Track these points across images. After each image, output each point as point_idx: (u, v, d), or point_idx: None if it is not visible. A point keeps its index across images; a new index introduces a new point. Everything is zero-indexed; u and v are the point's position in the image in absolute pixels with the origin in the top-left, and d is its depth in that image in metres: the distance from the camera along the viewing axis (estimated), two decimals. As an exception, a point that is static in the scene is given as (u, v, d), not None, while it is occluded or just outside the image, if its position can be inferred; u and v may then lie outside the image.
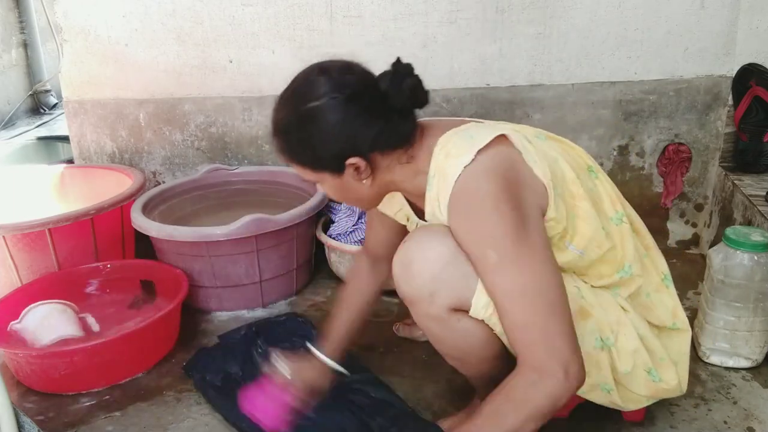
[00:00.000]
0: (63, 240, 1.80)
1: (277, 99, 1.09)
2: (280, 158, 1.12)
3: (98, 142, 2.22)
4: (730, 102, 1.95)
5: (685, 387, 1.24)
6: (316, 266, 2.04)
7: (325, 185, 1.12)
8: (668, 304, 1.23)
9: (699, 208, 2.09)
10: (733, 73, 1.93)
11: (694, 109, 1.98)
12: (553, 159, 1.10)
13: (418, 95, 1.06)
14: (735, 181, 1.87)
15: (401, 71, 1.05)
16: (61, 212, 1.81)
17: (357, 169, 1.07)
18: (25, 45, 3.94)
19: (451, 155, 1.04)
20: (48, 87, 3.97)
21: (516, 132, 1.09)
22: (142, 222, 1.81)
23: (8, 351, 1.55)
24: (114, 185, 2.00)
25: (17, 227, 1.74)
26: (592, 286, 1.17)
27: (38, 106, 3.97)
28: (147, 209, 1.90)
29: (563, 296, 1.01)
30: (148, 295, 1.83)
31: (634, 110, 2.00)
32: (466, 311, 1.08)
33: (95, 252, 1.88)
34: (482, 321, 1.09)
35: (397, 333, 1.70)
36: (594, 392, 1.18)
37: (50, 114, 3.91)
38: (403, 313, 1.79)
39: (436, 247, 1.06)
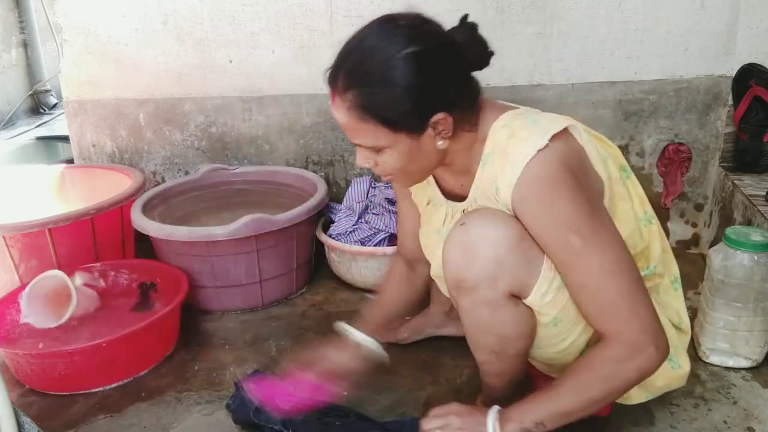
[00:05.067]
0: (63, 240, 1.80)
1: (349, 50, 1.02)
2: (348, 114, 1.01)
3: (98, 142, 2.22)
4: (730, 102, 1.95)
5: (686, 378, 1.25)
6: (316, 266, 2.04)
7: (394, 150, 1.04)
8: (674, 306, 1.24)
9: (699, 208, 2.09)
10: (733, 73, 1.93)
11: (694, 109, 1.98)
12: (603, 157, 1.10)
13: (487, 52, 1.07)
14: (735, 181, 1.87)
15: (471, 26, 1.06)
16: (61, 212, 1.81)
17: (439, 127, 1.02)
18: (25, 45, 3.94)
19: (519, 136, 1.02)
20: (48, 87, 3.97)
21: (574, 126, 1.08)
22: (142, 222, 1.81)
23: (8, 351, 1.55)
24: (114, 185, 2.00)
25: (17, 227, 1.74)
26: None
27: (38, 106, 3.97)
28: (147, 209, 1.90)
29: (638, 272, 1.04)
30: (148, 299, 1.82)
31: (634, 110, 2.00)
32: (519, 298, 1.07)
33: (95, 252, 1.88)
34: (531, 312, 1.09)
35: (380, 339, 1.65)
36: None
37: (50, 114, 3.91)
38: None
39: (500, 229, 1.03)
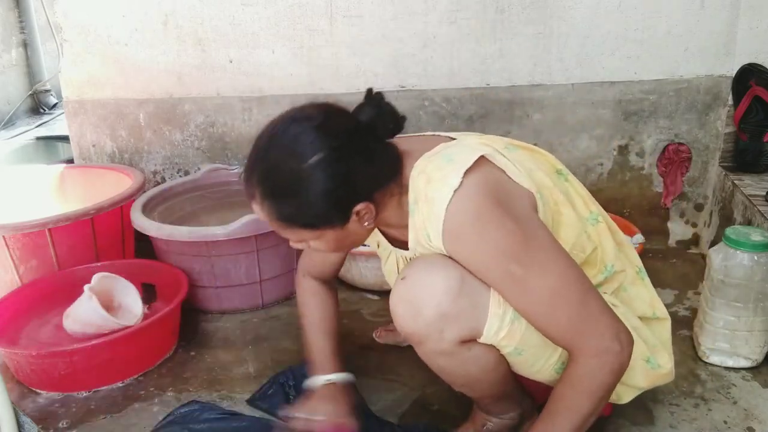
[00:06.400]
0: (63, 240, 1.80)
1: (258, 160, 1.01)
2: (269, 221, 1.03)
3: (98, 142, 2.22)
4: (730, 102, 1.95)
5: (673, 373, 1.24)
6: (316, 266, 2.04)
7: (322, 240, 1.06)
8: (645, 296, 1.23)
9: (699, 208, 2.09)
10: (733, 73, 1.93)
11: (694, 109, 1.98)
12: (530, 169, 1.10)
13: (398, 119, 1.05)
14: (735, 181, 1.87)
15: (377, 99, 1.04)
16: (61, 212, 1.81)
17: (362, 213, 1.03)
18: (25, 45, 3.94)
19: (434, 179, 1.02)
20: (48, 87, 3.97)
21: (490, 148, 1.07)
22: (142, 222, 1.81)
23: (8, 351, 1.55)
24: (114, 185, 2.00)
25: (17, 227, 1.74)
26: None
27: (38, 106, 3.97)
28: (147, 209, 1.90)
29: (585, 276, 1.03)
30: (150, 298, 1.82)
31: (634, 110, 2.00)
32: (474, 339, 1.07)
33: (95, 252, 1.88)
34: (491, 345, 1.08)
35: (379, 340, 1.66)
36: None
37: (50, 114, 3.91)
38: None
39: (441, 281, 1.03)
